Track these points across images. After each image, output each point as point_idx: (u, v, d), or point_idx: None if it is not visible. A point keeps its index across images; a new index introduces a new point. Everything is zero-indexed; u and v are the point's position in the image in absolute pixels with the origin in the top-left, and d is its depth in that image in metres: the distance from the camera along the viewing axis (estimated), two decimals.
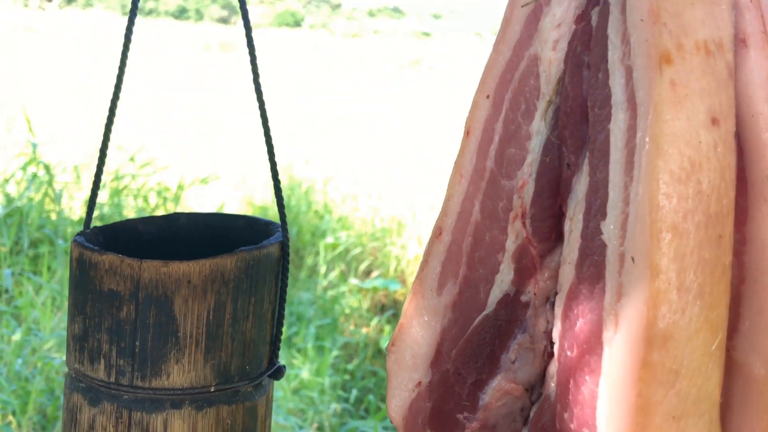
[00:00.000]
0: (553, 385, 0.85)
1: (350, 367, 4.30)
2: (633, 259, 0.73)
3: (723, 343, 0.74)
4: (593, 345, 0.76)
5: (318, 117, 10.76)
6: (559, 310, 0.84)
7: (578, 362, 0.78)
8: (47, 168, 5.34)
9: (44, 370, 3.49)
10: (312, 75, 15.44)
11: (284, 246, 1.10)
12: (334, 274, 5.32)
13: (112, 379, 1.02)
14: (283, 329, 4.22)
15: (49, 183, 5.29)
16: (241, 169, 7.17)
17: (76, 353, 1.05)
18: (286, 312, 4.71)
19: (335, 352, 4.24)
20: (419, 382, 0.93)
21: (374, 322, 4.84)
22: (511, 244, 0.90)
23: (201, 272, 1.01)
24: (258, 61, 1.13)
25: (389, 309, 5.02)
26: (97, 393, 1.03)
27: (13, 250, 4.78)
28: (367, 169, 7.98)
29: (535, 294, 0.90)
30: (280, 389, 3.83)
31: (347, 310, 4.97)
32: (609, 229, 0.76)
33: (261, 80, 1.13)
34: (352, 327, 4.90)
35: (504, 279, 0.90)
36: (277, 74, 12.80)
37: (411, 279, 5.51)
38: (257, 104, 1.10)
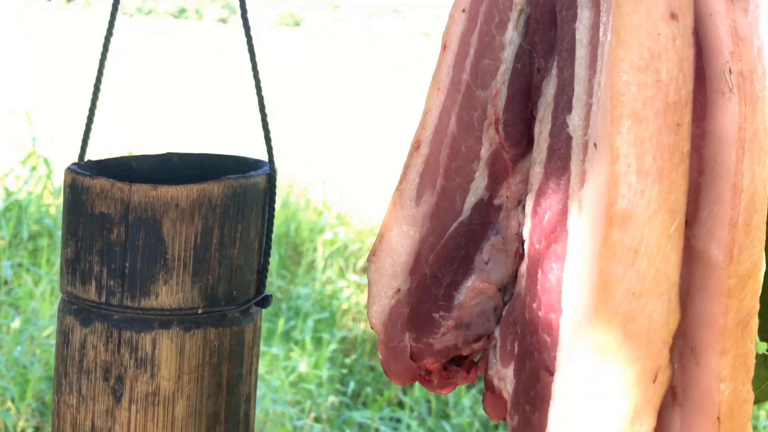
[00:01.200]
0: (523, 282, 0.88)
1: (348, 361, 4.30)
2: (595, 145, 0.76)
3: (681, 226, 0.77)
4: (559, 234, 0.79)
5: (318, 118, 10.81)
6: (529, 208, 0.87)
7: (545, 252, 0.81)
8: (46, 162, 5.37)
9: (43, 357, 3.51)
10: (312, 76, 15.49)
11: (271, 178, 1.14)
12: (332, 270, 5.34)
13: (103, 300, 1.05)
14: (281, 322, 4.18)
15: (48, 177, 5.32)
16: None
17: (68, 276, 1.08)
18: (284, 305, 4.73)
19: (333, 346, 4.25)
20: (398, 290, 0.96)
21: None
22: (485, 152, 0.93)
23: (188, 196, 1.04)
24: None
25: None
26: (88, 314, 1.06)
27: (12, 243, 4.81)
28: (367, 168, 8.02)
29: (507, 197, 0.93)
30: (278, 380, 3.85)
31: (345, 305, 4.98)
32: (574, 121, 0.79)
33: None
34: (350, 322, 4.91)
35: (478, 186, 0.94)
36: (277, 76, 12.84)
37: None
38: (246, 44, 1.14)
